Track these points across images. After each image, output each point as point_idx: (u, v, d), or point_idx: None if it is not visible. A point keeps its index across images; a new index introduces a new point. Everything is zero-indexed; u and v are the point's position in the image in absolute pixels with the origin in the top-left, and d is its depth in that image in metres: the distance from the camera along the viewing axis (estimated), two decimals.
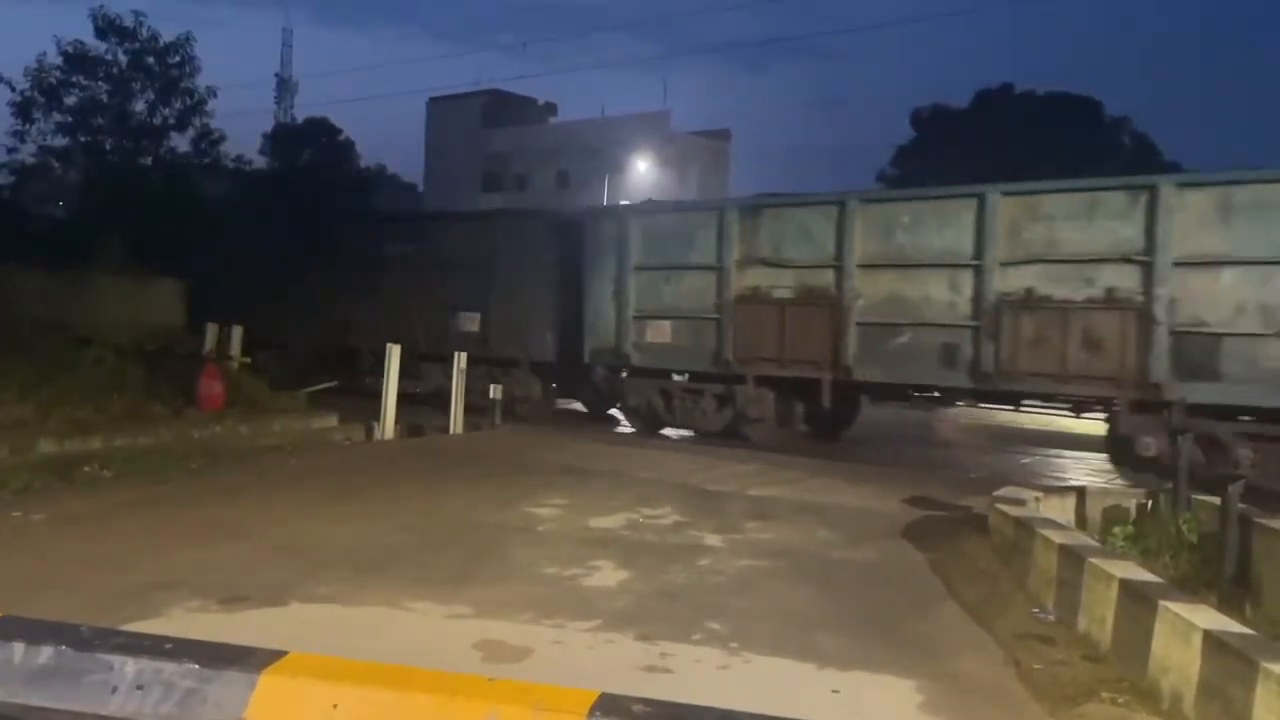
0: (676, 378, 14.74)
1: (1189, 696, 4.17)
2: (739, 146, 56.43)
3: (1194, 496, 7.32)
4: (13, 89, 25.60)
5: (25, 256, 20.17)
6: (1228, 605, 5.23)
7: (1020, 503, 7.52)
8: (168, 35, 26.66)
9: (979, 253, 11.83)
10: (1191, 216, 10.63)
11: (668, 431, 14.98)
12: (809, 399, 13.54)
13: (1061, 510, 7.82)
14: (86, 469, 9.67)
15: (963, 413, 16.33)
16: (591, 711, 1.26)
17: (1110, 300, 11.03)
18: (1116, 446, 11.40)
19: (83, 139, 26.49)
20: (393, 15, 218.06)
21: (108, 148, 26.68)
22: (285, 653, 1.44)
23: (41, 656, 1.43)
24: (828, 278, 12.93)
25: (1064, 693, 4.67)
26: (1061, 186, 11.94)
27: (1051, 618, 5.77)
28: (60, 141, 26.59)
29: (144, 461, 10.17)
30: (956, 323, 12.00)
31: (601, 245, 14.97)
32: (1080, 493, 8.25)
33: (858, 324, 12.70)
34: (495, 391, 14.59)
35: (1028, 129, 34.38)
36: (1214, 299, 10.51)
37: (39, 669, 1.42)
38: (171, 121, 26.95)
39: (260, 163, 37.49)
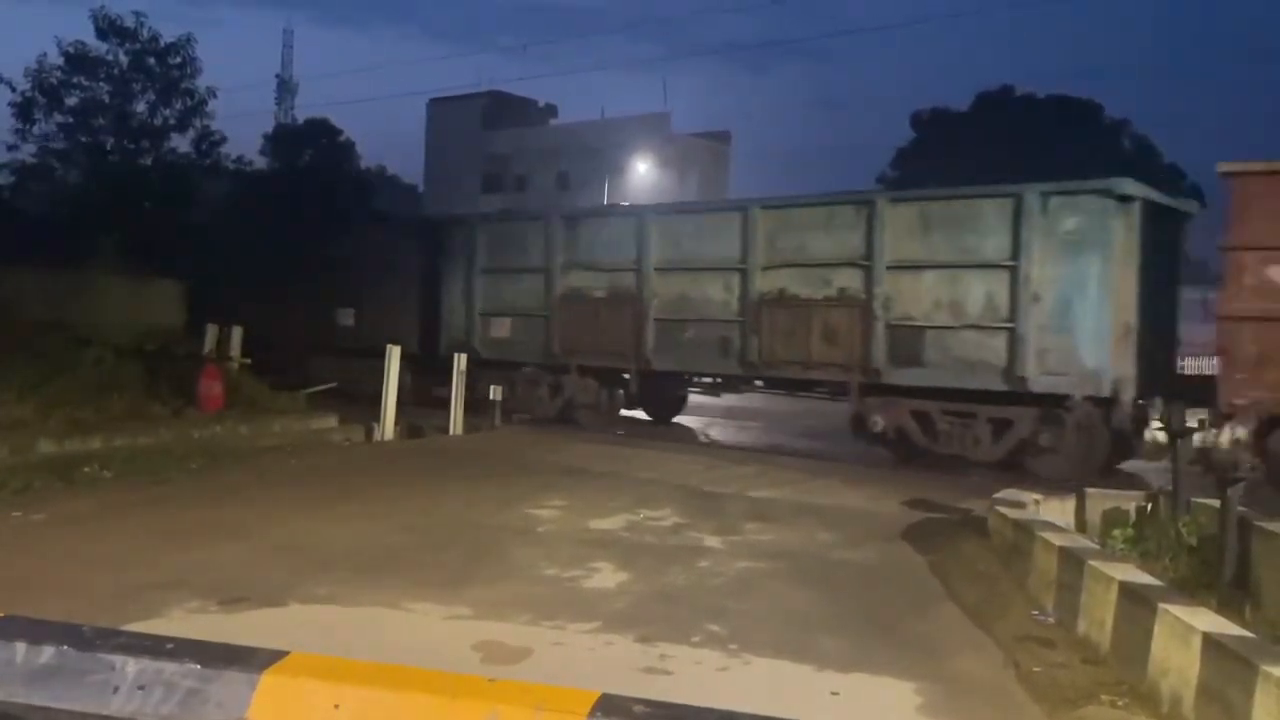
0: (531, 369, 15.99)
1: (1188, 699, 4.18)
2: (739, 148, 56.35)
3: (1193, 499, 7.32)
4: (13, 89, 25.55)
5: (25, 256, 20.14)
6: (1227, 608, 5.23)
7: (1020, 505, 7.52)
8: (168, 36, 26.66)
9: (744, 258, 13.57)
10: (900, 227, 12.42)
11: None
12: (630, 386, 15.25)
13: (1061, 513, 7.82)
14: (86, 469, 9.67)
15: None
16: (592, 712, 1.26)
17: (842, 298, 12.80)
18: (856, 423, 13.04)
19: (83, 139, 26.43)
20: (393, 16, 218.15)
21: (108, 148, 26.64)
22: (287, 653, 1.44)
23: (44, 656, 1.43)
24: (631, 280, 14.67)
25: (1063, 695, 4.67)
26: (806, 201, 13.77)
27: (1051, 620, 5.78)
28: (61, 142, 26.55)
29: (144, 462, 10.17)
30: (729, 318, 13.77)
31: (454, 250, 16.82)
32: (1080, 495, 8.25)
33: (655, 320, 14.46)
34: (495, 393, 14.64)
35: (1028, 131, 34.37)
36: (917, 297, 12.26)
37: (41, 668, 1.42)
38: (172, 122, 26.87)
39: (261, 164, 37.51)
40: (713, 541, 7.81)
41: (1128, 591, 4.97)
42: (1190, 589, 5.74)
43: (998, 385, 11.64)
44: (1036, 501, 7.82)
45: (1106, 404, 11.22)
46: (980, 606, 6.13)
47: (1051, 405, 11.47)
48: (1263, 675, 3.68)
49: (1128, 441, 11.56)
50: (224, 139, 27.76)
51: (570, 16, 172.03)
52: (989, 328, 11.71)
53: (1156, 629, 4.52)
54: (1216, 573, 6.21)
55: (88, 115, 26.27)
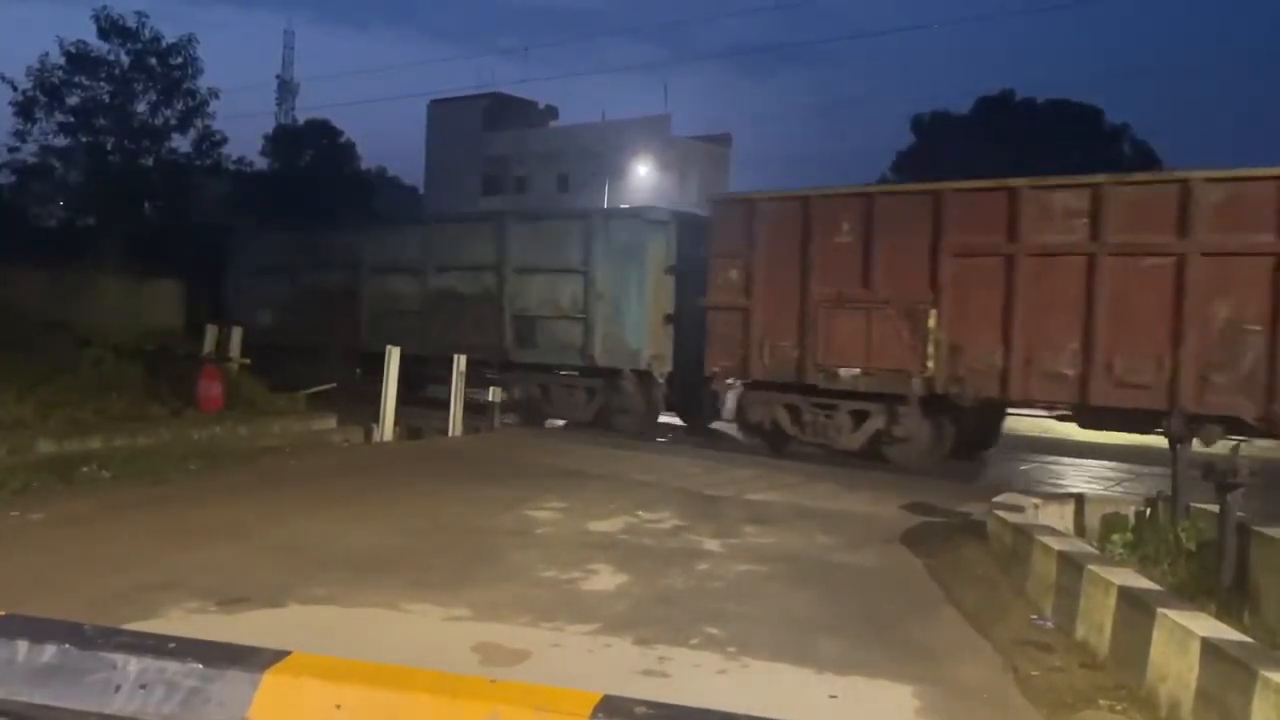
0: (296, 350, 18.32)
1: (1187, 704, 4.18)
2: (740, 151, 56.34)
3: (1192, 504, 7.33)
4: (15, 88, 25.57)
5: (26, 256, 20.15)
6: (1226, 613, 5.24)
7: (1019, 509, 7.53)
8: (170, 37, 26.68)
9: (424, 262, 17.12)
10: (522, 239, 16.00)
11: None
12: (357, 364, 17.95)
13: (1060, 517, 7.84)
14: (85, 469, 9.66)
15: None
16: (594, 713, 1.26)
17: (485, 295, 16.24)
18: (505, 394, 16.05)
19: (84, 139, 26.43)
20: (393, 18, 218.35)
21: (109, 148, 26.65)
22: (289, 652, 1.43)
23: (45, 655, 1.42)
24: (352, 277, 18.11)
25: (1062, 700, 4.67)
26: (463, 218, 19.34)
27: (1050, 624, 5.78)
28: (62, 141, 26.55)
29: (143, 462, 10.16)
30: (417, 309, 17.13)
31: (233, 254, 20.72)
32: (1079, 500, 8.26)
33: (369, 310, 17.86)
34: (494, 394, 14.70)
35: (1028, 136, 34.35)
36: (532, 294, 15.76)
37: (42, 667, 1.42)
38: (173, 122, 26.89)
39: (261, 164, 37.50)
40: (711, 544, 7.81)
41: (1126, 596, 4.97)
42: (1189, 594, 5.75)
43: (579, 362, 15.19)
44: (1036, 506, 7.82)
45: (649, 376, 14.78)
46: (979, 610, 6.14)
47: (615, 378, 14.98)
48: (1261, 681, 3.69)
49: (707, 406, 14.89)
50: (225, 139, 27.79)
51: (571, 19, 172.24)
52: (573, 318, 15.25)
53: (1155, 634, 4.52)
54: (1215, 578, 6.22)
55: (89, 115, 26.27)
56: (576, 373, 15.60)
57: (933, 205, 12.11)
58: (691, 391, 14.69)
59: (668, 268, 14.78)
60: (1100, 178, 11.41)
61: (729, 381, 13.83)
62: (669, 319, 14.75)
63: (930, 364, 11.99)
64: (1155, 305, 10.67)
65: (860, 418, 12.88)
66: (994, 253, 11.63)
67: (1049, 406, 12.32)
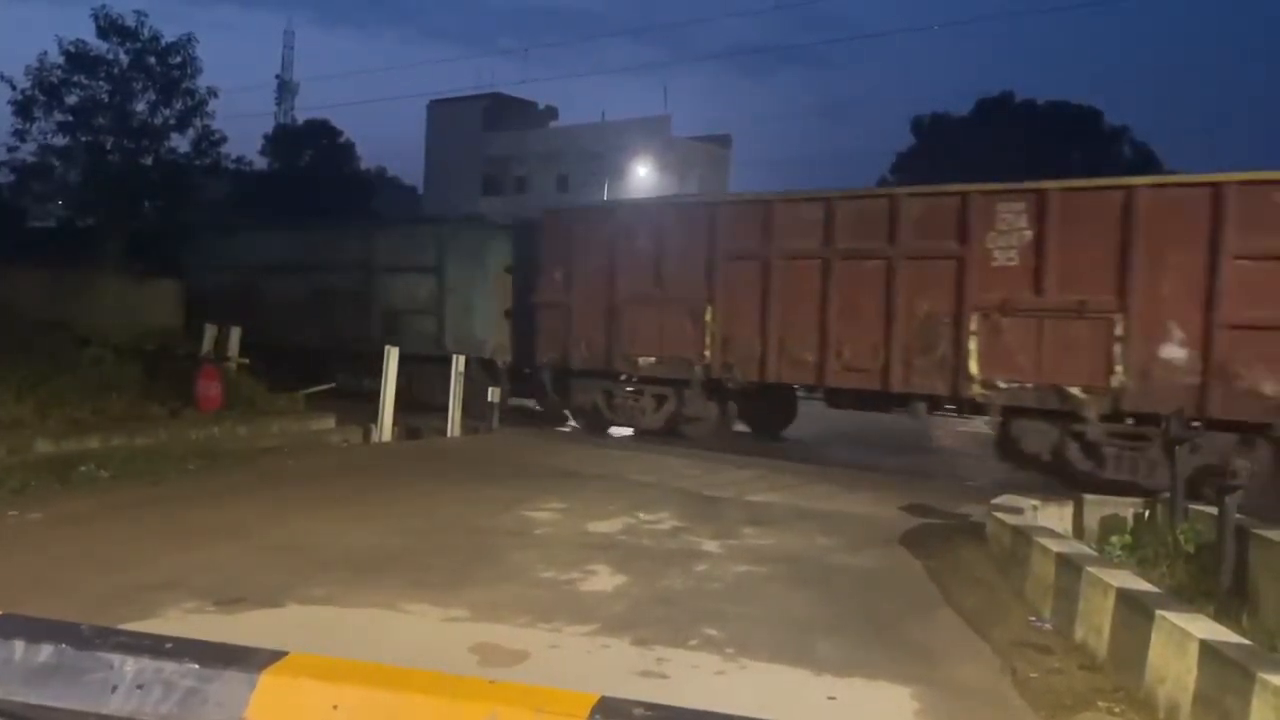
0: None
1: (1185, 706, 4.18)
2: (740, 151, 56.25)
3: (1190, 506, 7.33)
4: (14, 88, 25.51)
5: (26, 256, 20.14)
6: (1224, 615, 5.23)
7: (1018, 511, 7.52)
8: (169, 36, 26.64)
9: (309, 263, 19.18)
10: (388, 244, 18.42)
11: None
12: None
13: (1059, 519, 7.83)
14: (84, 469, 9.65)
15: (960, 420, 16.34)
16: (592, 714, 1.26)
17: (355, 290, 18.41)
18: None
19: (83, 138, 26.39)
20: (393, 18, 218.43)
21: (108, 147, 26.61)
22: (286, 653, 1.43)
23: (41, 655, 1.42)
24: (260, 277, 19.99)
25: (1060, 701, 4.67)
26: (336, 227, 21.13)
27: (1048, 626, 5.78)
28: (61, 141, 26.50)
29: (141, 462, 10.16)
30: (304, 303, 19.18)
31: (188, 252, 22.36)
32: (1078, 502, 8.26)
33: (270, 304, 19.45)
34: (493, 394, 14.69)
35: (1028, 137, 34.35)
36: (397, 292, 17.91)
37: (39, 667, 1.41)
38: (172, 122, 26.84)
39: (261, 164, 37.50)
40: (710, 545, 7.80)
41: (1125, 598, 4.97)
42: (1188, 596, 5.74)
43: (435, 351, 16.50)
44: (1035, 508, 7.82)
45: (493, 364, 16.56)
46: (978, 612, 6.13)
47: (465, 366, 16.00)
48: (1260, 683, 3.68)
49: (538, 391, 16.54)
50: (224, 139, 27.73)
51: (571, 20, 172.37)
52: (429, 313, 17.32)
53: (1154, 636, 4.52)
54: (1214, 580, 6.22)
55: (88, 114, 26.22)
56: (433, 362, 16.53)
57: (708, 215, 14.10)
58: (531, 379, 16.40)
59: (506, 267, 16.70)
60: (833, 192, 13.31)
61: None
62: (508, 313, 16.61)
63: (708, 353, 14.02)
64: (873, 301, 12.64)
65: (660, 400, 14.81)
66: (754, 256, 13.57)
67: (798, 387, 14.33)
